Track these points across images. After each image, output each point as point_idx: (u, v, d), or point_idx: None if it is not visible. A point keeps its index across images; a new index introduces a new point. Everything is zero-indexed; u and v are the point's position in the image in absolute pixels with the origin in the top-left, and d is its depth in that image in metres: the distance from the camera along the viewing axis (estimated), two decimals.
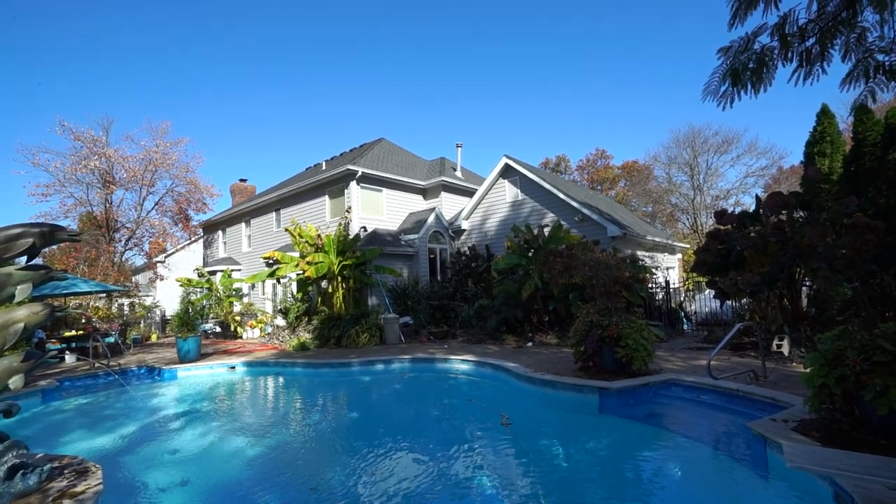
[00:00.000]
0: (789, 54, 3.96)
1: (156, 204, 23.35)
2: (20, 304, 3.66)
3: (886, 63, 4.07)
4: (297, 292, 15.04)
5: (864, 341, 3.57)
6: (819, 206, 7.48)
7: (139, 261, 27.17)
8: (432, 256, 17.31)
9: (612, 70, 65.20)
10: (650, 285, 12.39)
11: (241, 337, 17.10)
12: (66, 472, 3.89)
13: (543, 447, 5.30)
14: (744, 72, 4.07)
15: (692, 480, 4.39)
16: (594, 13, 60.90)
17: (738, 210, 10.17)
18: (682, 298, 14.56)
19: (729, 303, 10.41)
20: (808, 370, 4.01)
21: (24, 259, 3.80)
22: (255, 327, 17.16)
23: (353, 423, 6.98)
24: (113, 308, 18.54)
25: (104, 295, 17.45)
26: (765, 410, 4.93)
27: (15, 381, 3.50)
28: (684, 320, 13.43)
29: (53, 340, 12.53)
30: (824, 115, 11.51)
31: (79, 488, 3.53)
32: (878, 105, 8.87)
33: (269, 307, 18.60)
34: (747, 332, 8.59)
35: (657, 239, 17.76)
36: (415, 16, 64.81)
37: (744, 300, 9.73)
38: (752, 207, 9.25)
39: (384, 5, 62.04)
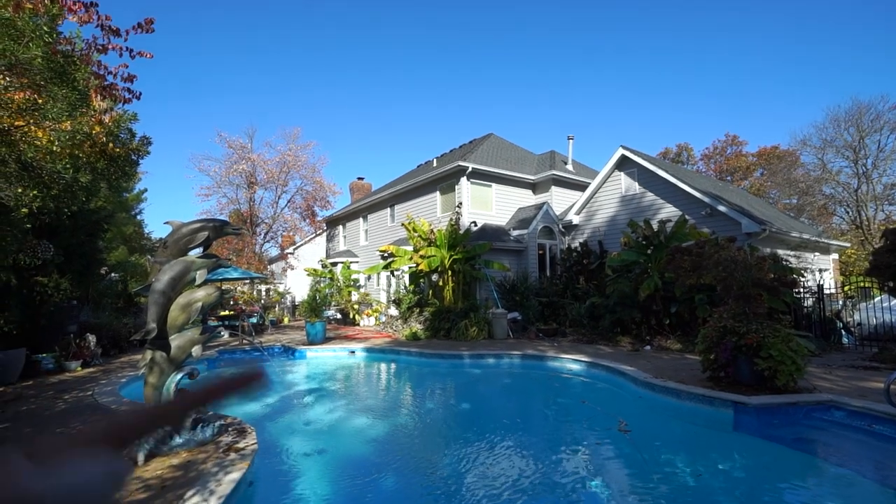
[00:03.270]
0: None
1: (288, 201, 26.35)
2: (199, 286, 4.38)
3: None
4: (410, 284, 15.82)
5: None
6: None
7: (273, 252, 30.92)
8: (541, 252, 16.97)
9: (744, 41, 57.30)
10: (797, 290, 10.70)
11: (358, 324, 18.55)
12: (229, 429, 4.58)
13: (667, 461, 4.91)
14: None
15: None
16: None
17: None
18: (840, 306, 12.35)
19: None
20: None
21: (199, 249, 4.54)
22: (370, 316, 18.48)
23: (464, 414, 7.16)
24: (254, 293, 21.38)
25: (247, 281, 20.19)
26: None
27: (196, 350, 4.21)
28: (843, 333, 11.39)
29: (212, 318, 14.83)
30: None
31: (240, 444, 4.12)
32: None
33: (383, 297, 19.87)
34: None
35: (805, 236, 15.30)
36: (523, 4, 63.67)
37: None
38: None
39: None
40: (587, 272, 14.85)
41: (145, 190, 21.34)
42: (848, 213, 32.27)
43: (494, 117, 75.12)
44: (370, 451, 5.18)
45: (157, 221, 75.39)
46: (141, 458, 3.74)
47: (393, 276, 17.85)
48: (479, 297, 15.08)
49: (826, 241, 17.60)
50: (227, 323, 14.95)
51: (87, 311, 11.49)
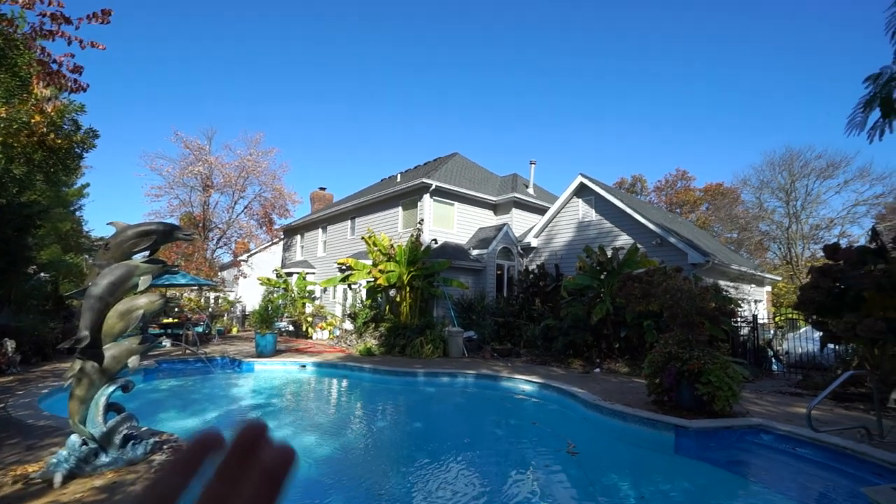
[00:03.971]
0: None
1: (245, 207, 25.47)
2: (141, 293, 4.13)
3: None
4: (367, 299, 15.59)
5: None
6: None
7: (226, 258, 29.67)
8: (500, 272, 17.21)
9: (695, 86, 61.72)
10: (735, 319, 11.39)
11: (311, 337, 18.00)
12: (165, 447, 4.29)
13: (612, 483, 5.03)
14: None
15: None
16: (675, 32, 58.17)
17: (844, 242, 9.11)
18: (771, 336, 13.23)
19: (830, 346, 9.31)
20: None
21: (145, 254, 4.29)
22: (324, 329, 17.99)
23: (416, 433, 7.05)
24: (202, 301, 20.35)
25: (196, 287, 19.22)
26: (882, 476, 4.32)
27: (133, 361, 3.94)
28: (773, 360, 12.18)
29: (153, 325, 13.96)
30: None
31: None
32: None
33: (338, 311, 19.43)
34: (856, 381, 7.62)
35: (743, 268, 16.38)
36: (491, 32, 65.74)
37: (850, 344, 8.65)
38: (864, 240, 8.25)
39: (457, 20, 63.63)
40: (543, 294, 15.17)
41: (88, 185, 19.95)
42: (780, 249, 34.86)
43: (460, 137, 76.38)
44: (318, 471, 4.99)
45: (99, 220, 70.71)
46: (58, 479, 3.42)
47: (350, 289, 17.53)
48: (437, 314, 15.05)
49: (761, 274, 18.89)
50: (169, 331, 14.11)
51: (6, 314, 10.51)
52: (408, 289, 14.08)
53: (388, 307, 14.90)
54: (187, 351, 12.24)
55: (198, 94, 57.99)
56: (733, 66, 57.11)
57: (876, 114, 3.71)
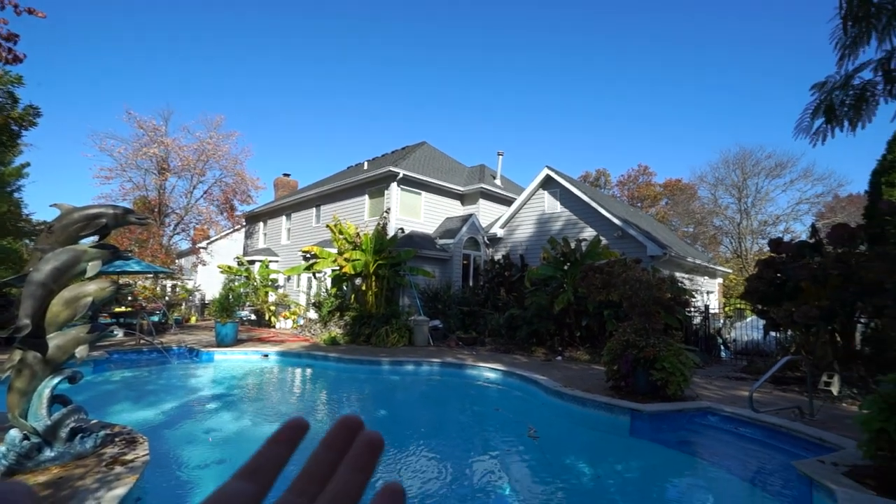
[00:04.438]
0: (894, 90, 3.73)
1: (204, 193, 24.45)
2: (90, 279, 3.93)
3: None
4: (332, 287, 15.38)
5: None
6: (889, 241, 7.05)
7: (184, 245, 28.46)
8: (466, 262, 17.33)
9: (658, 85, 63.64)
10: (689, 309, 11.97)
11: (274, 326, 17.62)
12: (117, 439, 4.13)
13: (570, 464, 5.22)
14: (840, 107, 3.86)
15: None
16: (642, 30, 59.65)
17: (788, 237, 9.73)
18: (720, 325, 13.99)
19: (772, 333, 9.95)
20: (864, 412, 3.79)
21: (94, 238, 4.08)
22: (287, 318, 17.65)
23: (380, 421, 7.06)
24: (158, 289, 19.51)
25: (151, 275, 18.39)
26: (810, 450, 4.68)
27: (81, 351, 3.75)
28: (722, 348, 12.90)
29: (104, 315, 13.29)
30: None
31: (129, 456, 3.73)
32: None
33: (302, 300, 19.08)
34: (792, 365, 8.18)
35: (698, 261, 17.16)
36: (462, 21, 65.35)
37: (790, 332, 9.27)
38: (805, 236, 8.83)
39: (429, 8, 62.90)
40: (508, 284, 15.41)
41: (28, 164, 18.52)
42: (731, 243, 36.71)
43: (428, 127, 75.90)
44: None
45: (41, 202, 66.31)
46: None
47: (315, 277, 17.24)
48: (403, 303, 15.04)
49: (713, 266, 19.85)
50: (122, 321, 13.46)
51: None
52: (374, 277, 13.98)
53: (353, 296, 14.76)
54: (142, 341, 11.74)
55: (153, 73, 54.89)
56: (696, 66, 59.19)
57: (820, 119, 3.95)
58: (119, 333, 12.68)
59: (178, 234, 24.60)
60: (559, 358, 11.04)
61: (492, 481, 4.56)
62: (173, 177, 23.31)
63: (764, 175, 33.97)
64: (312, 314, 16.42)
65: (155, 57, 53.31)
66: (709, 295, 18.87)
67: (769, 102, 55.48)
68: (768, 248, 9.09)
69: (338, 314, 14.43)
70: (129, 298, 15.73)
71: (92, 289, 3.81)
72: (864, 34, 3.55)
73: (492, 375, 9.17)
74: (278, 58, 67.90)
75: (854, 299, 7.11)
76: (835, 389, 7.15)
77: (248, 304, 19.01)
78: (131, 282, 17.60)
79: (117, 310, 13.84)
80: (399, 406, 8.15)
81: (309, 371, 10.38)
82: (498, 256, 17.21)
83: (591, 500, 4.28)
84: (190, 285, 23.97)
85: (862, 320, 8.24)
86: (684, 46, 58.62)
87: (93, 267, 3.76)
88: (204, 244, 26.87)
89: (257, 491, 0.32)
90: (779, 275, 8.31)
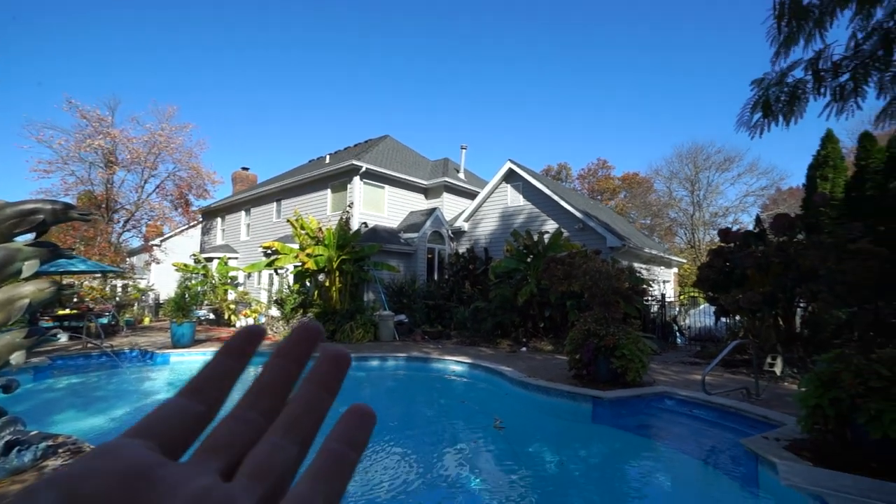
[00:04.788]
0: (822, 88, 4.00)
1: (157, 187, 23.29)
2: (27, 280, 3.66)
3: None
4: (294, 284, 15.02)
5: (861, 365, 3.62)
6: (822, 230, 7.56)
7: (136, 243, 27.04)
8: (430, 256, 17.32)
9: (616, 81, 65.48)
10: (646, 298, 12.47)
11: (234, 325, 17.05)
12: (60, 451, 3.89)
13: (535, 452, 5.34)
14: (776, 103, 4.10)
15: (682, 493, 4.43)
16: (602, 20, 61.12)
17: (736, 228, 10.28)
18: (676, 312, 14.64)
19: (723, 319, 10.50)
20: (801, 390, 4.06)
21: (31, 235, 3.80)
22: (248, 316, 17.09)
23: None
24: (107, 289, 18.47)
25: (99, 275, 17.39)
26: (757, 428, 4.98)
27: (17, 357, 3.50)
28: (678, 334, 13.51)
29: (46, 318, 12.46)
30: (829, 140, 11.61)
31: None
32: (881, 132, 8.96)
33: (264, 297, 18.54)
34: (741, 349, 8.66)
35: (654, 252, 17.85)
36: (423, 13, 64.84)
37: (738, 318, 9.81)
38: (751, 226, 9.35)
39: (387, 6, 62.08)
40: (473, 277, 15.53)
41: None
42: (686, 234, 38.44)
43: (392, 119, 75.15)
44: None
45: None
46: None
47: (276, 274, 16.76)
48: (367, 298, 14.88)
49: (669, 257, 20.71)
50: (66, 324, 12.66)
51: None
52: (337, 273, 13.75)
53: (316, 292, 14.48)
54: (89, 345, 11.09)
55: (98, 61, 51.57)
56: (653, 61, 61.21)
57: (758, 114, 4.20)
58: (63, 337, 11.92)
59: (128, 230, 23.37)
60: (524, 349, 11.24)
61: (459, 473, 4.60)
62: (122, 170, 22.05)
63: (714, 169, 35.72)
64: (275, 312, 15.99)
65: (100, 44, 50.11)
66: (665, 284, 19.69)
67: (720, 97, 58.20)
68: (718, 239, 9.58)
69: (301, 311, 14.12)
70: (74, 300, 14.82)
71: (28, 290, 3.55)
72: (795, 35, 3.81)
73: (458, 368, 9.24)
74: (235, 49, 65.33)
75: (793, 285, 7.60)
76: (778, 370, 7.64)
77: (206, 302, 18.30)
78: (76, 282, 16.56)
79: (61, 312, 13.01)
80: (365, 402, 8.02)
81: None
82: (462, 250, 17.30)
83: (556, 485, 4.40)
84: (143, 285, 22.80)
85: (801, 305, 8.83)
86: (645, 41, 60.51)
87: (29, 266, 3.51)
88: (157, 241, 25.64)
89: (203, 412, 0.27)
90: (727, 263, 8.77)
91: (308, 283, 14.89)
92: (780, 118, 4.19)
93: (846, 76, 3.89)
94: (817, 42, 3.85)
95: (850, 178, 10.35)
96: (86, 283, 17.38)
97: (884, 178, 8.95)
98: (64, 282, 14.21)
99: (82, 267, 12.96)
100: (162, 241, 26.07)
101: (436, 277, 17.06)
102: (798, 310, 8.96)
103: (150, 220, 23.90)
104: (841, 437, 3.83)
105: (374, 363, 9.85)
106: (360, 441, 0.28)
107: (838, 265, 5.16)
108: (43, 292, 3.63)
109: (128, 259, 25.33)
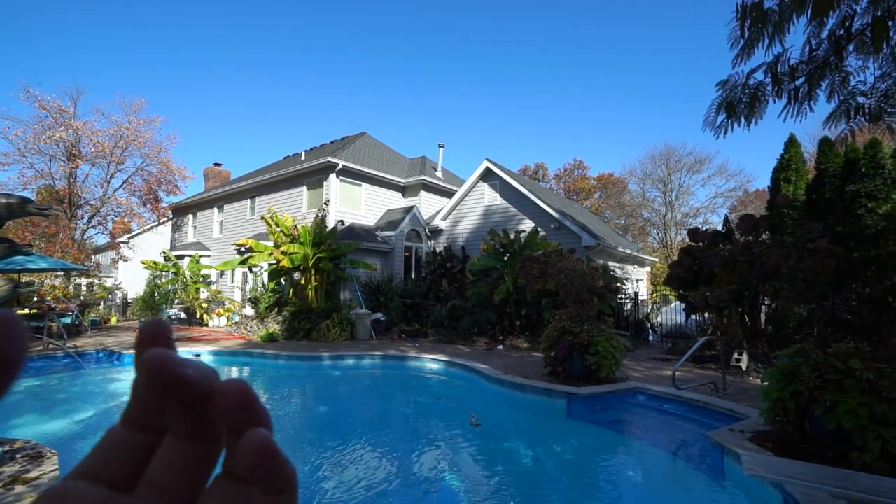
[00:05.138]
0: (780, 91, 4.19)
1: (124, 182, 22.46)
2: None
3: (866, 106, 4.33)
4: (269, 282, 14.76)
5: (818, 359, 3.80)
6: (784, 230, 7.88)
7: (102, 240, 26.05)
8: (408, 254, 17.28)
9: (594, 81, 66.60)
10: (620, 296, 12.75)
11: (206, 325, 16.64)
12: (18, 456, 3.74)
13: (511, 449, 5.40)
14: (738, 105, 4.27)
15: (652, 485, 4.56)
16: (579, 20, 62.07)
17: (706, 228, 10.63)
18: (648, 310, 15.01)
19: (693, 317, 10.83)
20: (765, 384, 4.23)
21: None
22: (221, 315, 16.72)
23: (322, 417, 6.92)
24: (70, 287, 17.73)
25: (61, 273, 16.68)
26: (723, 421, 5.17)
27: None
28: (650, 331, 13.86)
29: None
30: (791, 144, 12.09)
31: (33, 473, 3.39)
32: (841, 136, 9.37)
33: (237, 296, 18.16)
34: (709, 345, 8.95)
35: (628, 251, 18.25)
36: (400, 9, 64.53)
37: (707, 315, 10.14)
38: (720, 227, 9.68)
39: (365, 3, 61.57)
40: (450, 275, 15.57)
41: None
42: (658, 234, 39.44)
43: (369, 116, 74.53)
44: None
45: None
46: None
47: (251, 272, 16.44)
48: (344, 297, 14.74)
49: (642, 256, 21.21)
50: (26, 324, 12.09)
51: None
52: (313, 271, 13.58)
53: (292, 291, 14.26)
54: (50, 346, 10.64)
55: (60, 49, 49.39)
56: (630, 62, 62.48)
57: (723, 115, 4.37)
58: None
59: (93, 227, 22.43)
60: (500, 347, 11.34)
61: (435, 470, 4.62)
62: (86, 164, 21.18)
63: (686, 170, 36.79)
64: (249, 310, 15.68)
65: (64, 34, 47.99)
66: (638, 282, 20.16)
67: (692, 98, 59.85)
68: (688, 238, 9.87)
69: (276, 310, 13.89)
70: (35, 299, 14.18)
71: None
72: (756, 38, 3.99)
73: (434, 366, 9.25)
74: (209, 44, 63.59)
75: (757, 283, 7.91)
76: (744, 365, 7.93)
77: (177, 301, 17.80)
78: (35, 280, 15.84)
79: (20, 312, 12.43)
80: (341, 401, 8.02)
81: (246, 369, 9.93)
82: (440, 248, 17.32)
83: (532, 481, 4.46)
84: (109, 283, 21.99)
85: (766, 302, 9.19)
86: (621, 42, 61.69)
87: None
88: (125, 238, 24.72)
89: (145, 438, 0.26)
90: (696, 262, 9.05)
91: (283, 282, 14.66)
92: (743, 120, 4.37)
93: (801, 80, 4.09)
94: (777, 46, 4.03)
95: (811, 181, 10.81)
96: (47, 281, 16.65)
97: (841, 181, 9.38)
98: (22, 280, 13.61)
99: (42, 265, 12.40)
100: (130, 238, 25.16)
101: (413, 276, 17.03)
102: (763, 307, 9.32)
103: (116, 216, 23.03)
104: (800, 427, 4.01)
105: (351, 362, 9.77)
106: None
107: (799, 263, 5.40)
108: None
109: (93, 257, 24.38)
